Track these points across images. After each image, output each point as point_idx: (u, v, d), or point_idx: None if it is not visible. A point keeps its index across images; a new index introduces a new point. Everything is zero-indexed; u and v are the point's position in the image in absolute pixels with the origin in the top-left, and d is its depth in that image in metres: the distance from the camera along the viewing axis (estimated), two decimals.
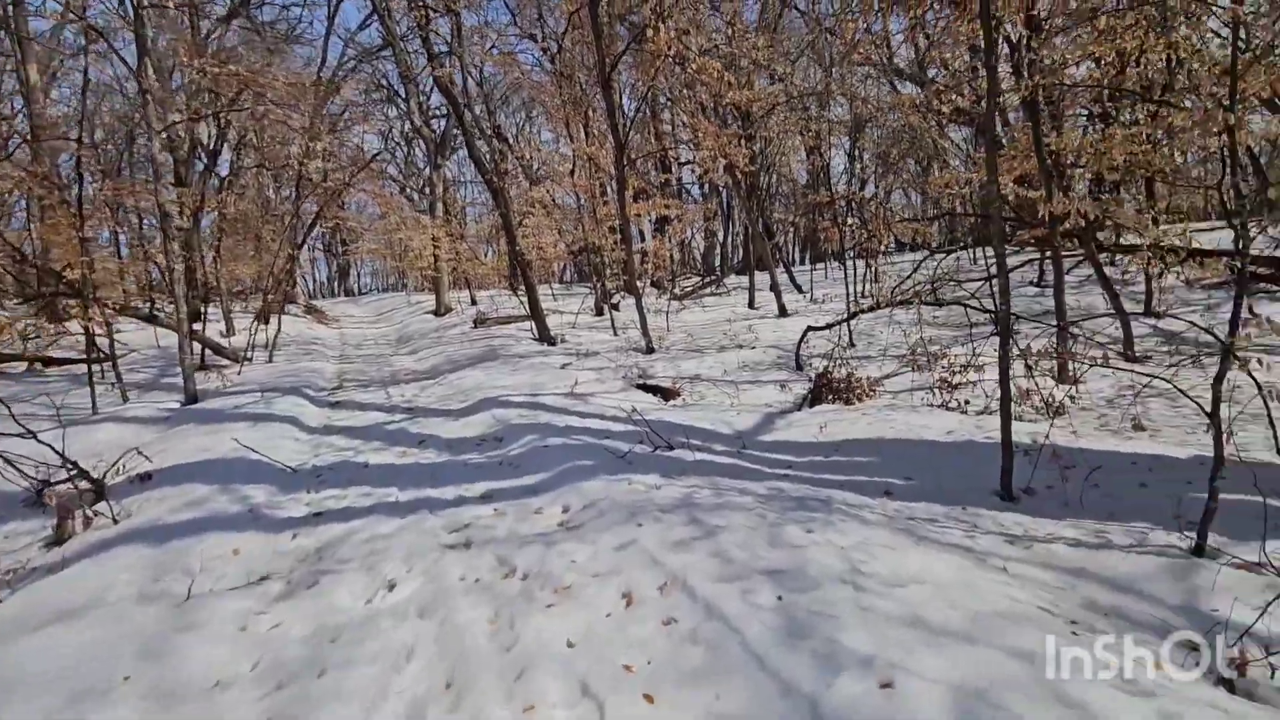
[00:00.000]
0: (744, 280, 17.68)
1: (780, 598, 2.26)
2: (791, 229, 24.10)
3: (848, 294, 9.77)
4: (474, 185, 30.66)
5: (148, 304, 12.12)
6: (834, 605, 2.16)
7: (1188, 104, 5.88)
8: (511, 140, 22.13)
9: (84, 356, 7.98)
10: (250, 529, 3.55)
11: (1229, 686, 2.05)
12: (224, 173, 16.26)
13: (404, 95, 18.64)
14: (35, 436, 4.52)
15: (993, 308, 8.36)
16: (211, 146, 15.10)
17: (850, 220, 11.65)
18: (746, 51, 11.53)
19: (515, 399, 6.69)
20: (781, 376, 7.81)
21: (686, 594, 2.37)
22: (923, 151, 16.80)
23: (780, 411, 6.42)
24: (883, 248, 11.28)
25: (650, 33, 6.87)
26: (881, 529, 3.05)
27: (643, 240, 20.64)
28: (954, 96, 11.46)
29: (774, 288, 12.18)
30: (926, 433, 5.26)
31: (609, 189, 13.98)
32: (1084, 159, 7.90)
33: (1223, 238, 10.58)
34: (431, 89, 22.06)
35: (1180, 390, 3.47)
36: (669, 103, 13.89)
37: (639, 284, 10.23)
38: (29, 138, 10.12)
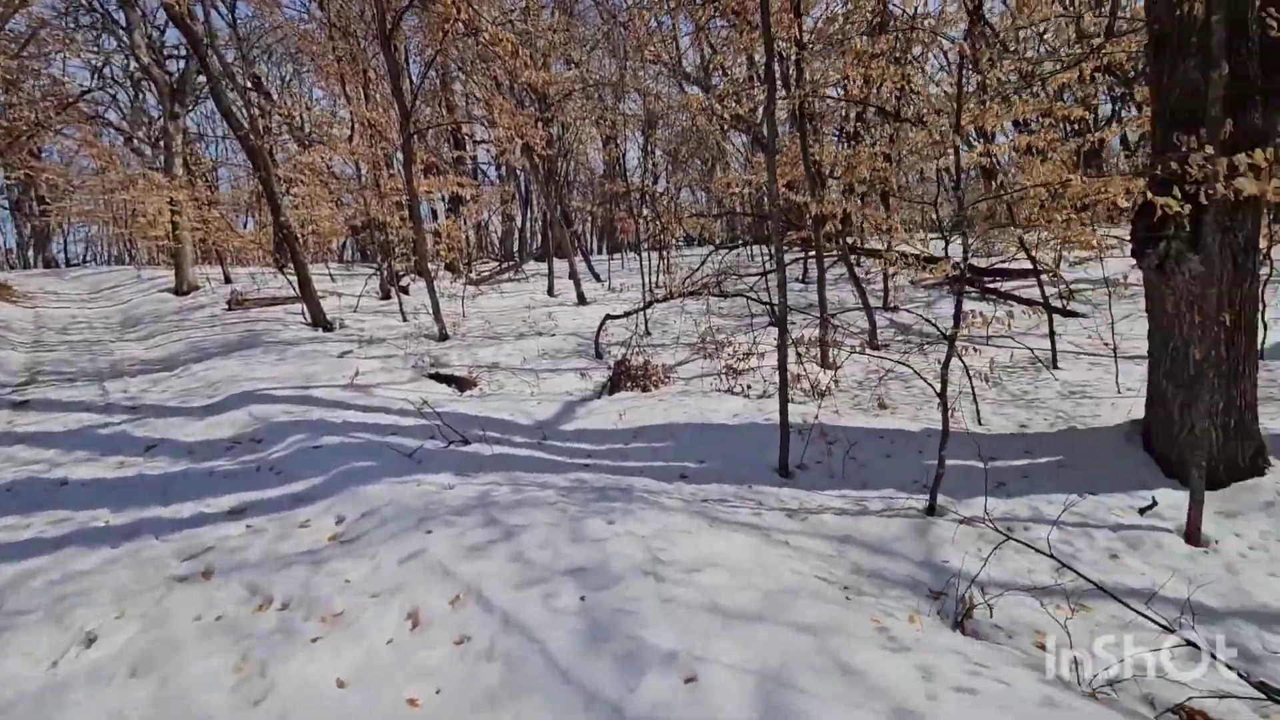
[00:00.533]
0: (543, 267, 17.50)
1: (583, 598, 2.15)
2: (590, 218, 24.42)
3: (644, 284, 10.07)
4: (229, 144, 26.32)
5: None
6: (637, 600, 2.10)
7: (925, 128, 6.90)
8: (276, 95, 19.35)
9: None
10: None
11: (962, 629, 2.38)
12: None
13: (125, 24, 15.25)
14: None
15: (771, 301, 9.18)
16: None
17: (645, 212, 12.04)
18: (542, 31, 11.28)
19: (280, 392, 5.79)
20: (582, 364, 7.79)
21: (482, 606, 2.15)
22: (708, 152, 17.98)
23: (581, 399, 6.38)
24: (675, 241, 11.84)
25: None
26: (680, 514, 3.10)
27: (435, 219, 19.42)
28: (734, 103, 12.43)
29: (573, 275, 12.17)
30: (716, 416, 5.57)
31: (395, 161, 12.85)
32: (838, 170, 8.97)
33: (942, 247, 12.79)
34: (165, 23, 18.42)
35: (917, 373, 4.03)
36: (461, 74, 13.10)
37: (431, 266, 9.53)
38: None
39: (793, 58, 9.15)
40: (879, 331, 8.67)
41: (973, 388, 5.67)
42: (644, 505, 3.20)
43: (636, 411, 5.74)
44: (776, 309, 4.61)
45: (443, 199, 16.86)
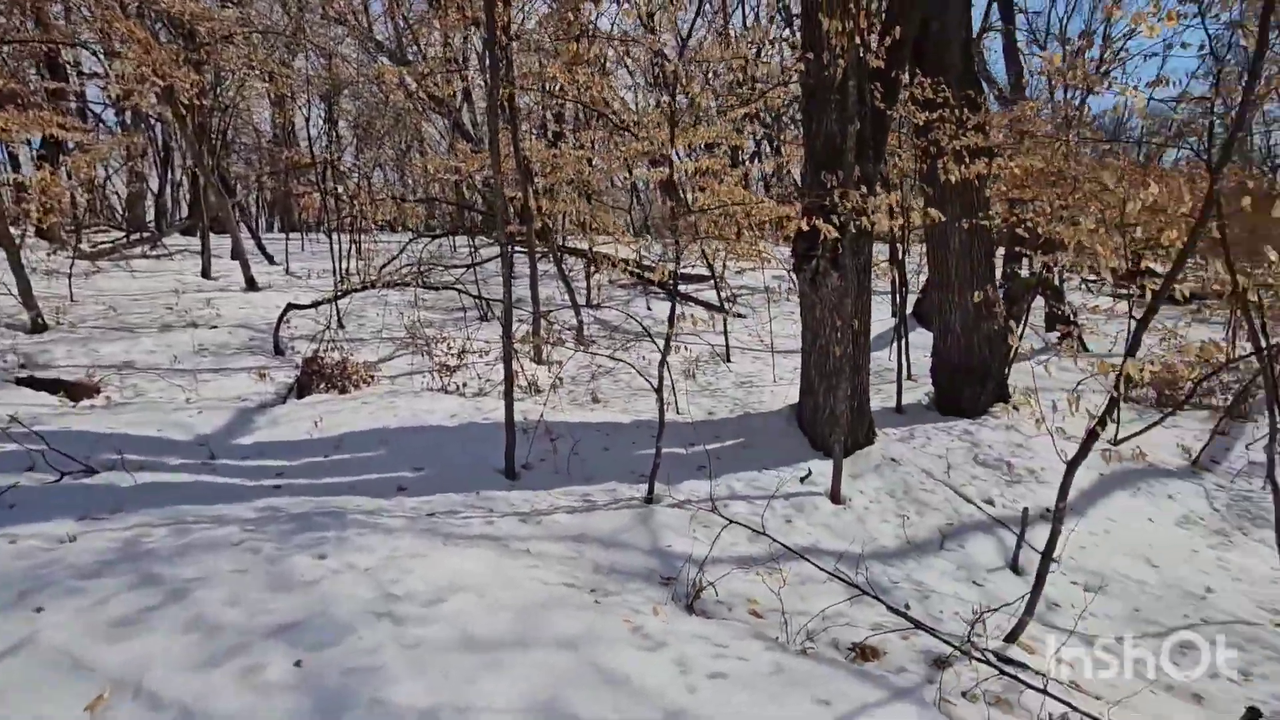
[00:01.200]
0: (193, 242, 14.32)
1: (299, 663, 1.73)
2: (257, 188, 20.78)
3: (335, 270, 8.93)
4: None
5: None
6: (374, 652, 1.78)
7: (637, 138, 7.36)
8: None
9: None
10: None
11: (694, 611, 2.58)
12: None
13: None
14: None
15: (484, 295, 8.93)
16: None
17: (337, 188, 10.69)
18: None
19: None
20: (258, 362, 6.55)
21: (145, 703, 1.57)
22: (405, 132, 16.79)
23: (260, 405, 5.35)
24: (372, 225, 10.78)
25: None
26: (407, 535, 2.77)
27: (15, 168, 14.42)
28: (435, 85, 11.76)
29: (238, 255, 10.20)
30: (431, 418, 5.19)
31: None
32: (546, 168, 9.15)
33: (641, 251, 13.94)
34: None
35: (637, 371, 4.29)
36: None
37: (15, 231, 7.00)
38: None
39: (501, 48, 9.01)
40: (585, 327, 9.10)
41: (671, 381, 6.31)
42: (362, 530, 2.78)
43: (336, 417, 5.04)
44: (495, 304, 4.46)
45: (29, 143, 12.61)
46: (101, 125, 16.05)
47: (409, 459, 4.30)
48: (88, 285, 9.01)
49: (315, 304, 7.68)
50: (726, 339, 8.46)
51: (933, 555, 3.88)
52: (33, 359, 5.78)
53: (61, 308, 7.51)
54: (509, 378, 4.17)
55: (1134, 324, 3.13)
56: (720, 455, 5.01)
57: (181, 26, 9.45)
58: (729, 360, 8.28)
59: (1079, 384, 3.97)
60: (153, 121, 17.50)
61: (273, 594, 2.09)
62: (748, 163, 13.60)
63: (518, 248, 13.13)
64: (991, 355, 6.07)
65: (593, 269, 11.39)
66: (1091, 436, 2.68)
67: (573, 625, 2.07)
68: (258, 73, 11.22)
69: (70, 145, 11.26)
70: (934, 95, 4.57)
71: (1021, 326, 6.98)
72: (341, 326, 8.02)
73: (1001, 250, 8.18)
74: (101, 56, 16.46)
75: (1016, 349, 6.70)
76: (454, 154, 12.03)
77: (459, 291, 8.13)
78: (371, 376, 6.29)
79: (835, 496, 4.35)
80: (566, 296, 9.51)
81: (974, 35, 6.15)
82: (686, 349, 7.52)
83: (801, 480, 4.56)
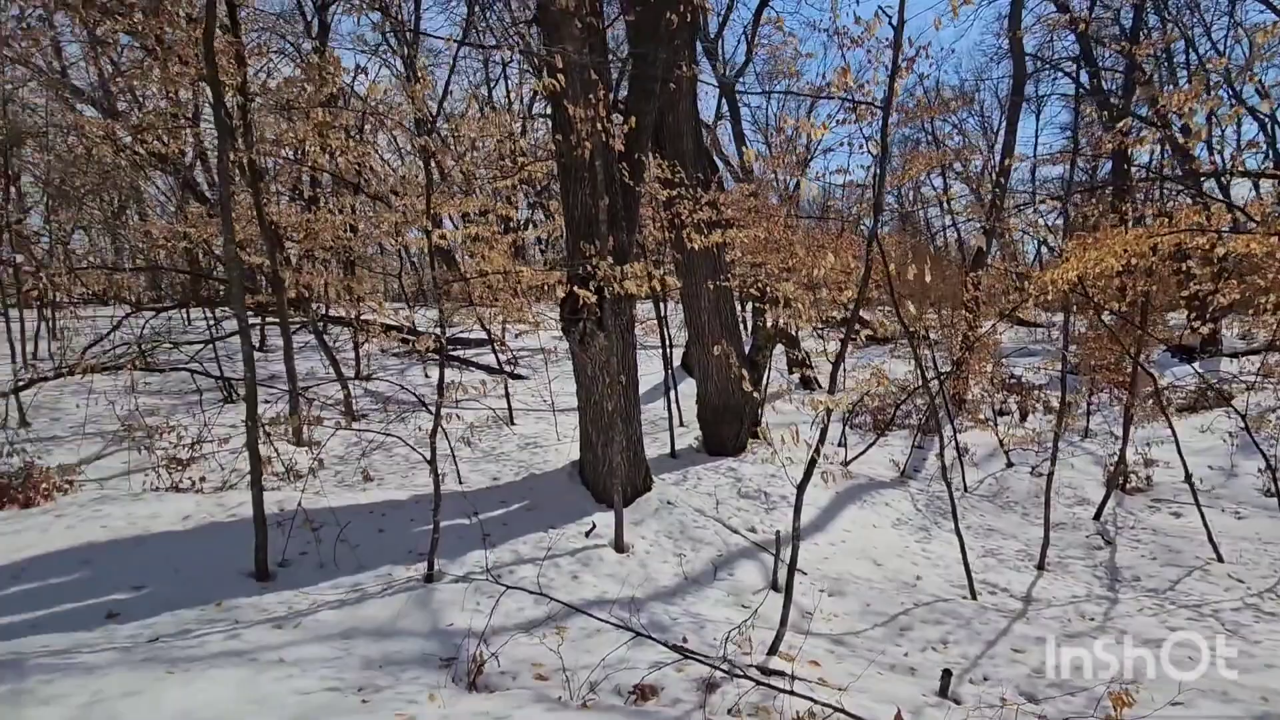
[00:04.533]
0: None
1: None
2: None
3: (16, 354, 7.21)
4: None
5: None
6: None
7: (389, 206, 7.16)
8: None
9: None
10: None
11: (476, 688, 2.50)
12: None
13: None
14: None
15: (223, 374, 7.88)
16: None
17: (16, 257, 8.80)
18: None
19: None
20: None
21: None
22: (117, 190, 14.48)
23: None
24: (67, 298, 9.00)
25: None
26: (117, 670, 2.29)
27: None
28: (158, 140, 10.36)
29: None
30: (156, 524, 4.38)
31: None
32: (300, 234, 8.49)
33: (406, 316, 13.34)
34: None
35: (407, 444, 4.10)
36: None
37: None
38: None
39: (236, 107, 8.27)
40: (354, 401, 8.44)
41: (452, 450, 6.10)
42: (49, 675, 2.24)
43: (18, 538, 4.02)
44: (237, 383, 4.00)
45: None
46: None
47: (124, 578, 3.57)
48: None
49: None
50: (509, 401, 8.45)
51: (707, 587, 4.21)
52: None
53: None
54: (256, 465, 3.73)
55: (833, 367, 3.82)
56: (506, 521, 4.95)
57: None
58: (513, 423, 8.25)
59: (815, 419, 4.69)
60: None
61: None
62: (519, 229, 14.00)
63: (269, 318, 11.83)
64: (744, 399, 6.88)
65: (361, 338, 10.67)
66: (811, 463, 3.19)
67: None
68: None
69: None
70: (671, 175, 5.21)
71: (766, 372, 8.03)
72: (25, 424, 6.46)
73: (751, 305, 9.42)
74: None
75: (766, 390, 7.66)
76: (184, 217, 10.61)
77: (192, 372, 7.09)
78: (69, 483, 5.14)
79: (619, 545, 4.53)
80: (330, 369, 8.77)
81: (707, 124, 7.19)
82: (461, 416, 7.36)
83: (586, 534, 4.68)
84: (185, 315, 14.50)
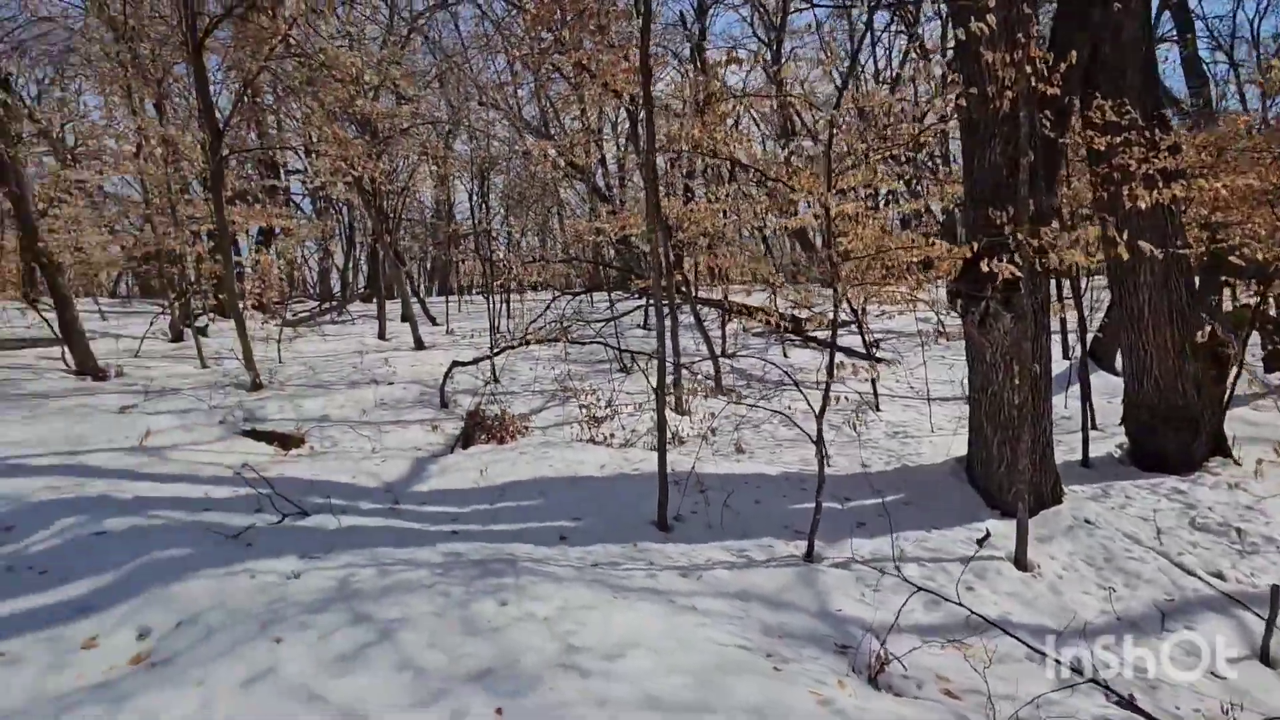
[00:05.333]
0: (369, 309, 16.19)
1: (500, 710, 1.81)
2: (422, 257, 23.18)
3: (491, 328, 9.64)
4: None
5: None
6: (567, 706, 1.82)
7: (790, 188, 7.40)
8: (30, 101, 16.14)
9: None
10: None
11: (875, 684, 2.39)
12: None
13: None
14: None
15: (621, 347, 9.20)
16: None
17: (497, 253, 11.67)
18: (374, 63, 10.65)
19: (38, 461, 4.56)
20: (427, 415, 7.16)
21: None
22: (549, 199, 18.08)
23: (432, 455, 5.81)
24: (528, 284, 11.55)
25: None
26: (576, 585, 2.84)
27: (238, 253, 17.24)
28: (577, 155, 12.62)
29: (409, 318, 11.35)
30: (583, 469, 5.35)
31: (194, 185, 11.21)
32: (683, 223, 9.39)
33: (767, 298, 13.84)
34: None
35: (794, 421, 4.16)
36: (276, 100, 11.86)
37: (240, 305, 8.29)
38: None
39: (640, 116, 9.51)
40: (723, 377, 9.06)
41: (820, 433, 6.06)
42: (534, 578, 2.89)
43: (498, 466, 5.34)
44: (638, 356, 4.57)
45: (248, 233, 15.05)
46: (300, 213, 18.83)
47: (566, 509, 4.44)
48: (291, 349, 10.41)
49: (475, 361, 8.32)
50: (875, 386, 8.05)
51: (1153, 636, 3.34)
52: (253, 413, 6.73)
53: (273, 369, 8.72)
54: (662, 428, 4.23)
55: None
56: (880, 511, 4.70)
57: (368, 124, 10.95)
58: (878, 409, 7.85)
59: None
60: (339, 206, 20.26)
61: (466, 638, 2.21)
62: (883, 205, 13.17)
63: (652, 300, 13.55)
64: (1200, 401, 5.27)
65: (727, 318, 11.43)
66: None
67: (756, 693, 1.99)
68: (427, 157, 12.62)
69: (278, 231, 13.30)
70: (1118, 118, 4.18)
71: (1237, 366, 6.00)
72: (497, 381, 8.59)
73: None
74: (302, 155, 19.41)
75: (1232, 393, 5.75)
76: (594, 216, 12.77)
77: (603, 345, 8.46)
78: (525, 428, 6.65)
79: (1021, 562, 3.91)
80: (703, 347, 9.57)
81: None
82: (838, 398, 7.24)
83: (979, 542, 4.15)
84: (590, 298, 17.57)
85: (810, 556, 3.79)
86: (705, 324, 13.04)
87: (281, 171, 16.42)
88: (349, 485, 4.65)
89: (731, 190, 9.17)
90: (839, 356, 9.96)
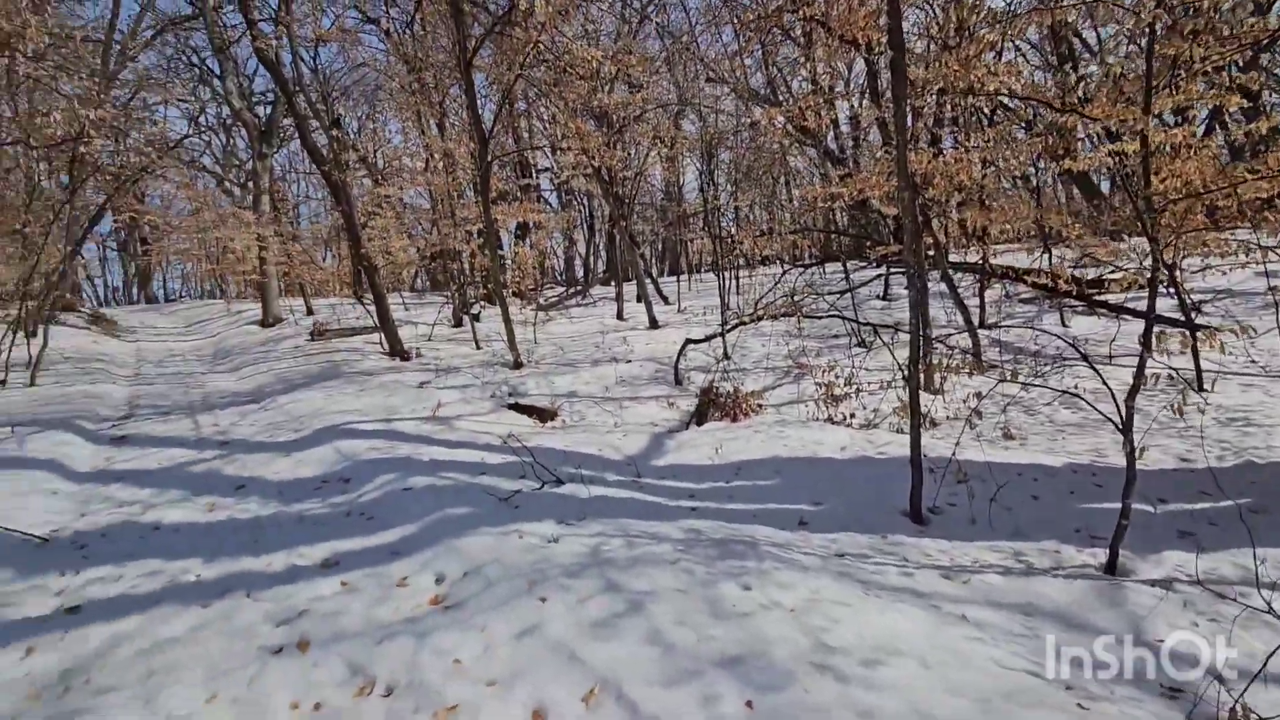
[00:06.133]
0: (609, 291, 17.38)
1: (750, 704, 1.74)
2: (654, 239, 24.24)
3: (722, 305, 9.66)
4: (310, 181, 27.68)
5: None
6: (825, 712, 1.68)
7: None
8: (353, 135, 20.15)
9: None
10: None
11: None
12: None
13: (219, 73, 16.27)
14: None
15: (859, 320, 8.58)
16: None
17: (726, 230, 11.68)
18: (612, 55, 11.20)
19: (365, 426, 5.67)
20: (662, 391, 7.43)
21: (625, 708, 1.76)
22: (777, 169, 17.56)
23: (668, 430, 6.00)
24: (749, 260, 11.40)
25: (524, 7, 6.18)
26: (822, 576, 2.66)
27: (501, 248, 19.70)
28: (807, 117, 11.98)
29: (644, 299, 11.90)
30: (821, 450, 5.08)
31: (467, 190, 12.97)
32: (934, 179, 8.36)
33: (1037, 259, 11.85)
34: (256, 69, 19.53)
35: (1092, 405, 3.45)
36: (527, 106, 13.18)
37: (504, 293, 9.42)
38: None
39: (880, 65, 8.65)
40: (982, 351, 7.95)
41: (1123, 419, 4.98)
42: (777, 563, 2.77)
43: (733, 444, 5.31)
44: (869, 329, 4.13)
45: (509, 228, 17.03)
46: (549, 207, 20.84)
47: (805, 491, 4.24)
48: (544, 331, 11.60)
49: (707, 338, 8.41)
50: (1196, 360, 6.40)
51: None
52: (516, 389, 7.62)
53: (530, 349, 9.79)
54: (915, 408, 3.80)
55: None
56: (1216, 520, 3.70)
57: (605, 116, 11.61)
58: (1202, 389, 6.23)
59: None
60: (581, 198, 21.98)
61: (711, 619, 2.18)
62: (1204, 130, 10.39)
63: (894, 268, 12.41)
64: None
65: (986, 284, 10.00)
66: None
67: None
68: (658, 141, 13.01)
69: (533, 225, 14.83)
70: None
71: None
72: (728, 358, 8.60)
73: None
74: (549, 154, 21.35)
75: None
76: (826, 181, 12.06)
77: (839, 318, 7.97)
78: (759, 405, 6.53)
79: None
80: (956, 317, 8.51)
81: None
82: (1154, 377, 5.98)
83: None
84: (822, 270, 16.78)
85: (1113, 569, 3.10)
86: (960, 291, 11.63)
87: (534, 171, 18.30)
88: (595, 457, 4.98)
89: (992, 136, 7.90)
90: (1130, 323, 8.11)
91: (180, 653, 2.33)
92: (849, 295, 10.33)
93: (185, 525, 3.71)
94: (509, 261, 11.29)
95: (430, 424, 5.82)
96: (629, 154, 14.18)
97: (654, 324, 11.40)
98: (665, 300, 15.19)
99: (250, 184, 16.86)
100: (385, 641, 2.29)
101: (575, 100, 9.28)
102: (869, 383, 6.39)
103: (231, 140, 23.50)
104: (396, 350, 9.58)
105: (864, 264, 14.15)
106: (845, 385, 6.21)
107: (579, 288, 18.30)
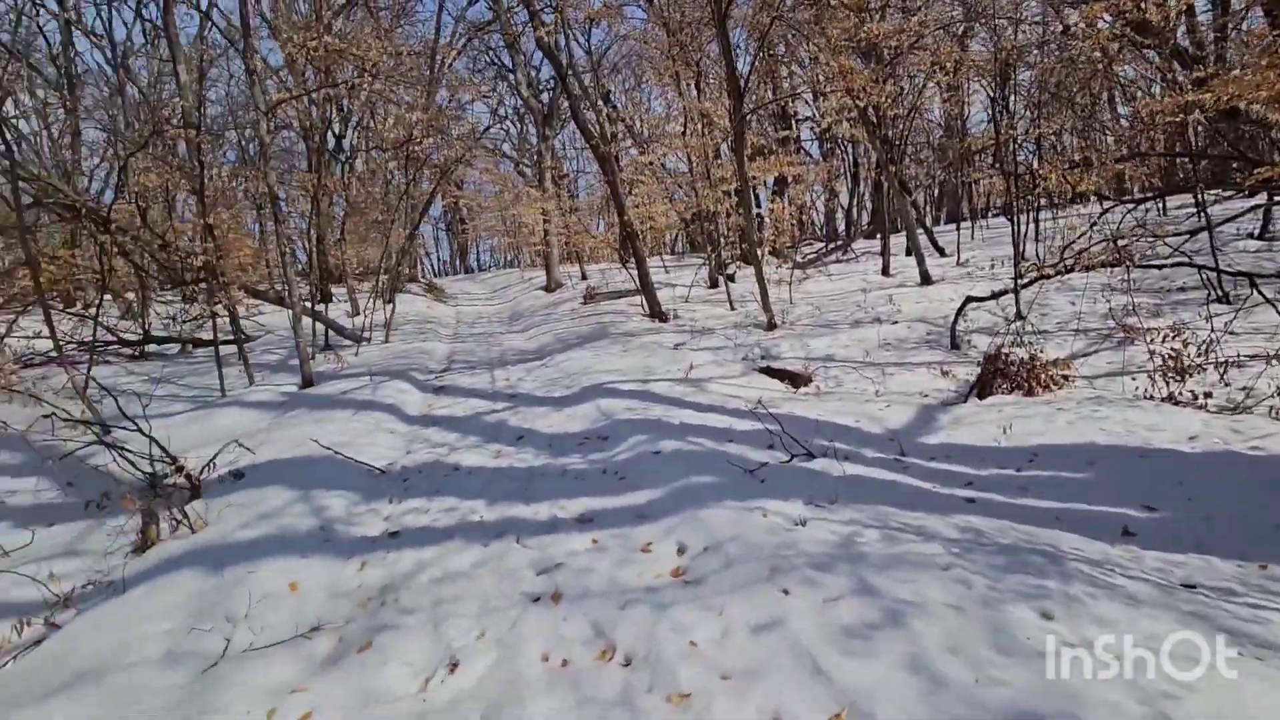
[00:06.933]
0: (873, 245, 15.98)
1: None
2: (929, 184, 21.58)
3: (1016, 255, 8.14)
4: (584, 157, 30.36)
5: (282, 286, 12.67)
6: None
7: None
8: (620, 107, 21.40)
9: (223, 338, 8.14)
10: (316, 554, 3.07)
11: None
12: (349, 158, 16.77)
13: (511, 67, 18.47)
14: (139, 428, 4.37)
15: (1220, 266, 6.54)
16: (336, 131, 15.60)
17: (1024, 164, 9.84)
18: None
19: (623, 386, 5.99)
20: (935, 357, 6.54)
21: None
22: (1099, 83, 14.15)
23: (941, 403, 5.25)
24: (1070, 196, 9.37)
25: None
26: (1163, 614, 1.99)
27: (758, 205, 19.33)
28: (1140, 10, 9.27)
29: (914, 251, 10.63)
30: (1158, 438, 3.95)
31: (723, 150, 12.87)
32: None
33: None
34: (541, 61, 21.76)
35: None
36: (786, 50, 12.41)
37: (758, 252, 9.17)
38: (155, 129, 10.53)
39: None
40: None
41: None
42: (1090, 587, 2.16)
43: (1026, 423, 4.42)
44: (1271, 280, 2.97)
45: (767, 183, 16.56)
46: (809, 158, 19.78)
47: (1132, 491, 3.31)
48: (800, 290, 11.09)
49: (995, 295, 7.18)
50: None
51: None
52: (768, 351, 7.39)
53: (784, 310, 9.44)
54: None
55: None
56: None
57: (874, 50, 10.43)
58: None
59: None
60: (844, 145, 20.45)
61: (995, 653, 1.76)
62: None
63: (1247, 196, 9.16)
64: None
65: None
66: None
67: None
68: (937, 67, 11.37)
69: (790, 179, 14.20)
70: None
71: None
72: (1023, 318, 7.24)
73: None
74: (809, 102, 20.16)
75: None
76: (1173, 90, 9.31)
77: (1194, 266, 6.17)
78: (1064, 377, 5.35)
79: None
80: None
81: None
82: None
83: None
84: (1160, 205, 13.23)
85: None
86: None
87: (794, 122, 17.46)
88: (852, 429, 4.55)
89: None
90: None
91: (462, 586, 2.66)
92: (1204, 235, 7.90)
93: (477, 469, 4.30)
94: (767, 218, 10.96)
95: (682, 386, 5.91)
96: (901, 89, 12.63)
97: (926, 279, 10.14)
98: (940, 252, 13.44)
99: (536, 164, 18.99)
100: (628, 607, 2.31)
101: (839, 36, 8.44)
102: (1238, 352, 4.83)
103: (524, 127, 26.66)
104: (656, 312, 10.00)
105: (1228, 193, 10.75)
106: (1198, 354, 4.74)
107: (839, 243, 17.17)
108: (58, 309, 8.96)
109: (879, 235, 13.31)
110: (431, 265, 39.75)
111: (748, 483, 3.36)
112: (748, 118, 8.54)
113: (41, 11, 15.18)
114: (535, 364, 8.15)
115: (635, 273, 10.54)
